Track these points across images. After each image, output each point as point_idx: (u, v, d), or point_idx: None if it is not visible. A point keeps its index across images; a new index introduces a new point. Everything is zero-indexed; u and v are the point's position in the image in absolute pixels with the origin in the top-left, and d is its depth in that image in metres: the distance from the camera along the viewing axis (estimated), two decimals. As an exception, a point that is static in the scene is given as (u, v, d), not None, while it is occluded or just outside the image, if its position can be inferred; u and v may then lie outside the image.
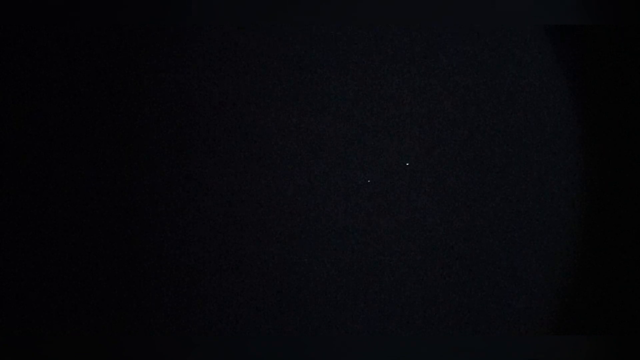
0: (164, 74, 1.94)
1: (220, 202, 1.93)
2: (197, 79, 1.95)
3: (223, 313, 1.91)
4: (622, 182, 2.00)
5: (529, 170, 2.01)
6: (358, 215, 1.96)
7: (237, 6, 1.94)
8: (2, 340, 1.83)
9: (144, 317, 1.90)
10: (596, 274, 2.00)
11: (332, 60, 1.98)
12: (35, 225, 1.89)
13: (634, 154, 2.00)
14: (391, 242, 1.96)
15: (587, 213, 2.01)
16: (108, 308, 1.89)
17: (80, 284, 1.89)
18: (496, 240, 1.99)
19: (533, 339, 1.92)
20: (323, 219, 1.95)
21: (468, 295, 1.97)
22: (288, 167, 1.95)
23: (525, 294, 1.99)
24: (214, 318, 1.91)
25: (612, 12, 1.91)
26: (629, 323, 1.96)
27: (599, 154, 2.02)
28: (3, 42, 1.91)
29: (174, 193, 1.92)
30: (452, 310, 1.97)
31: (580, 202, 2.01)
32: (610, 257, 2.00)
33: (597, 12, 1.91)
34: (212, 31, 1.96)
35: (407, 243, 1.97)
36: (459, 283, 1.97)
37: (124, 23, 1.93)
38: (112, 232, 1.90)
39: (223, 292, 1.92)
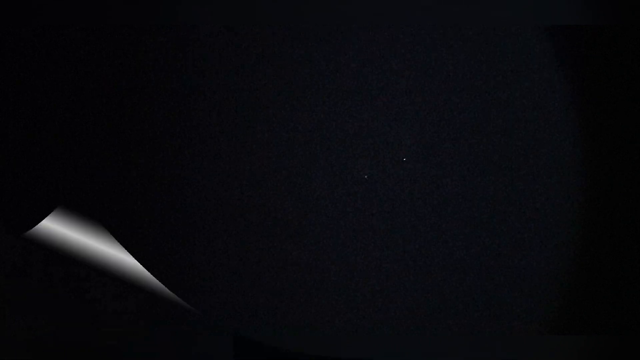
0: (164, 74, 1.94)
1: (219, 200, 1.93)
2: (196, 79, 1.95)
3: (222, 313, 1.92)
4: (622, 181, 2.00)
5: (529, 170, 2.01)
6: (355, 211, 1.96)
7: (236, 6, 1.94)
8: (2, 340, 1.83)
9: (144, 316, 1.90)
10: (596, 274, 2.00)
11: (331, 59, 1.99)
12: (34, 225, 1.89)
13: (634, 154, 2.00)
14: (388, 238, 1.96)
15: (587, 213, 2.01)
16: (107, 308, 1.89)
17: (81, 283, 1.89)
18: (496, 240, 1.99)
19: (533, 339, 1.92)
20: (320, 215, 1.95)
21: (468, 295, 1.97)
22: (286, 164, 1.95)
23: (525, 294, 1.99)
24: (213, 318, 1.91)
25: (612, 12, 1.91)
26: (629, 323, 1.96)
27: (599, 154, 2.02)
28: (3, 42, 1.91)
29: (173, 191, 1.92)
30: (451, 309, 1.97)
31: (580, 201, 2.01)
32: (610, 257, 2.00)
33: (597, 12, 1.91)
34: (212, 31, 1.96)
35: (405, 240, 1.97)
36: (458, 282, 1.97)
37: (124, 23, 1.94)
38: (111, 231, 1.90)
39: (222, 291, 1.92)
